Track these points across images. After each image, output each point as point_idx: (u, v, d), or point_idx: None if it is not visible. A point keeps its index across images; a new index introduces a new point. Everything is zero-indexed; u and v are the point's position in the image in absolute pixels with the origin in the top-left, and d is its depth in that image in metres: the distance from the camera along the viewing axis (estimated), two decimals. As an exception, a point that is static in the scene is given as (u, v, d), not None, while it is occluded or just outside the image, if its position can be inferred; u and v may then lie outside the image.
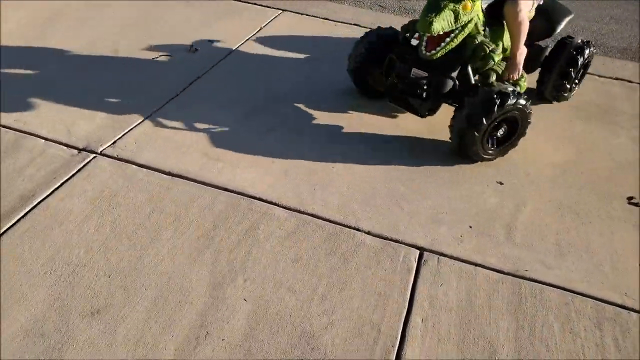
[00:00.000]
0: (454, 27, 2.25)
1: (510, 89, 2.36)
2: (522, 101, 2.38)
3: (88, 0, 3.69)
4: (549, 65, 2.86)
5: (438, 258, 1.99)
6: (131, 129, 2.48)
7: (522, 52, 2.54)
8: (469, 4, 2.21)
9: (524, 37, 2.49)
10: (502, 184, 2.44)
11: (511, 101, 2.32)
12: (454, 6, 2.18)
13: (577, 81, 2.99)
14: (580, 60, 2.82)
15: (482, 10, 2.38)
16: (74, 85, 2.77)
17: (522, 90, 2.63)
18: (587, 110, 3.00)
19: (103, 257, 1.84)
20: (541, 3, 2.67)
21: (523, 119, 2.46)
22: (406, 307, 1.80)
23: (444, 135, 2.54)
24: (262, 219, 2.07)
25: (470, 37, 2.37)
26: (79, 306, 1.67)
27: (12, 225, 1.90)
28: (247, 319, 1.69)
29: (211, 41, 3.33)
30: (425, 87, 2.45)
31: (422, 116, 2.56)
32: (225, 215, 2.07)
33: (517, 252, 2.06)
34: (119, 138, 2.41)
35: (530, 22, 2.55)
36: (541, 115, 2.84)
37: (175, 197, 2.12)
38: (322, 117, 2.74)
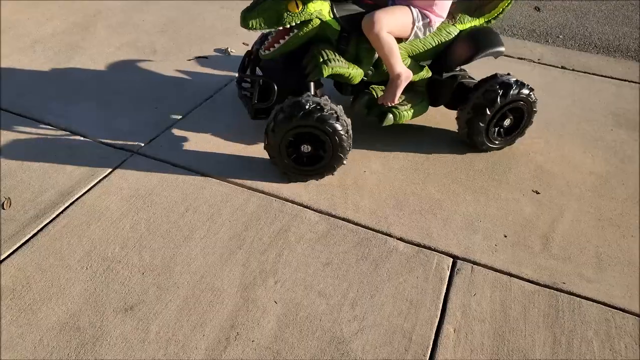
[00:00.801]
0: (276, 27, 2.06)
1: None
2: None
3: (128, 0, 3.78)
4: (464, 101, 2.47)
5: (472, 267, 1.95)
6: (166, 129, 2.52)
7: (402, 77, 2.25)
8: (296, 5, 2.01)
9: (392, 58, 2.17)
10: (539, 193, 2.38)
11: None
12: (277, 5, 2.01)
13: (502, 130, 2.55)
14: (499, 101, 2.36)
15: (334, 16, 2.12)
16: (112, 84, 2.83)
17: (402, 121, 2.42)
18: (627, 117, 2.90)
19: (137, 254, 1.87)
20: (432, 30, 2.30)
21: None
22: (438, 315, 1.76)
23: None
24: (293, 221, 2.07)
25: (317, 43, 2.20)
26: (113, 302, 1.70)
27: (51, 221, 1.95)
28: (277, 321, 1.69)
29: (245, 44, 3.36)
30: (248, 89, 2.33)
31: (252, 118, 2.34)
32: (257, 217, 2.07)
33: (554, 263, 1.99)
34: (155, 138, 2.45)
35: (447, 47, 2.35)
36: (579, 123, 2.76)
37: (209, 197, 2.14)
38: (356, 119, 2.72)
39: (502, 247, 2.06)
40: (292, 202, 2.17)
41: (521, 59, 3.59)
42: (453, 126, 2.67)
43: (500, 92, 2.35)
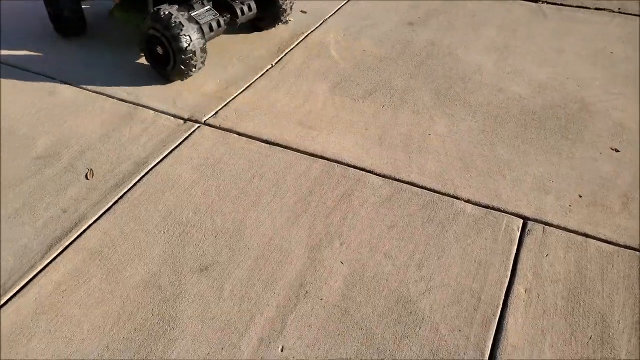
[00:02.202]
0: None
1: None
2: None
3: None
4: None
5: (543, 228, 1.88)
6: (231, 100, 2.58)
7: None
8: None
9: None
10: (618, 151, 2.23)
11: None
12: None
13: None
14: None
15: None
16: (178, 60, 2.93)
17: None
18: None
19: (210, 218, 1.95)
20: None
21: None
22: (508, 276, 1.72)
23: (548, 98, 2.36)
24: (356, 186, 2.08)
25: None
26: (189, 262, 1.80)
27: (129, 189, 2.08)
28: (344, 281, 1.72)
29: (303, 11, 3.35)
30: None
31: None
32: (321, 182, 2.10)
33: (635, 224, 1.88)
34: (220, 109, 2.52)
35: None
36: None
37: (274, 164, 2.19)
38: (417, 82, 2.67)
39: (576, 207, 1.97)
40: (354, 167, 2.17)
41: (599, 9, 3.33)
42: (522, 89, 2.56)
43: None
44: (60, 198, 2.04)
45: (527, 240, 1.84)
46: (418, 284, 1.71)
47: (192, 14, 2.62)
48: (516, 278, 1.71)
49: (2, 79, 2.74)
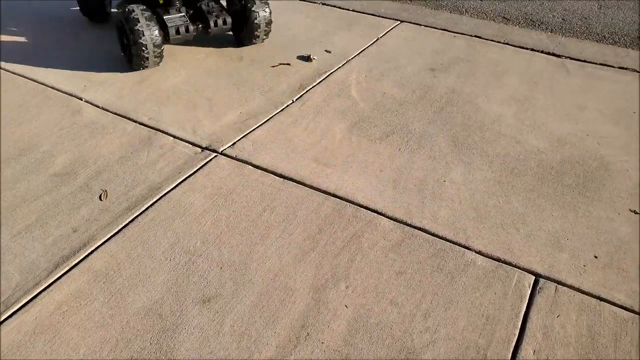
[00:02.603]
0: None
1: None
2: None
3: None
4: None
5: (556, 287, 1.83)
6: (249, 132, 2.61)
7: None
8: None
9: None
10: (637, 213, 2.19)
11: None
12: None
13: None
14: None
15: None
16: (200, 89, 2.99)
17: None
18: None
19: (217, 249, 1.95)
20: None
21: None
22: (516, 335, 1.67)
23: (570, 153, 2.33)
24: (367, 228, 2.06)
25: None
26: (192, 293, 1.78)
27: (140, 213, 2.09)
28: (347, 325, 1.68)
29: (328, 51, 3.42)
30: None
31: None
32: (331, 220, 2.09)
33: (652, 290, 1.82)
34: (238, 140, 2.55)
35: None
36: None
37: (286, 198, 2.19)
38: (435, 128, 2.67)
39: (591, 268, 1.92)
40: (367, 208, 2.16)
41: (623, 68, 3.33)
42: (541, 142, 2.54)
43: None
44: (72, 217, 2.06)
45: (538, 298, 1.79)
46: (423, 335, 1.66)
47: (162, 16, 3.06)
48: (525, 338, 1.66)
49: (31, 98, 2.83)
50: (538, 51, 3.52)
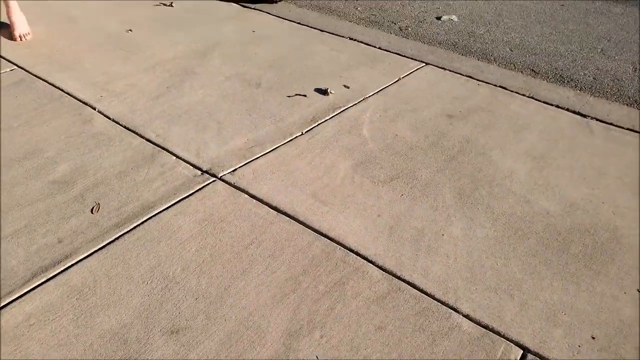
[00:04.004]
0: None
1: None
2: None
3: (248, 34, 4.04)
4: None
5: (544, 366, 1.71)
6: (252, 160, 2.59)
7: None
8: None
9: None
10: (645, 294, 2.05)
11: None
12: None
13: None
14: None
15: None
16: (214, 111, 3.00)
17: None
18: None
19: (196, 278, 1.90)
20: None
21: None
22: (493, 414, 1.55)
23: (588, 220, 2.22)
24: (353, 275, 1.98)
25: None
26: (162, 322, 1.73)
27: (128, 231, 2.07)
28: (314, 379, 1.60)
29: (346, 86, 3.40)
30: None
31: None
32: (318, 262, 2.02)
33: (649, 384, 1.68)
34: (240, 167, 2.53)
35: None
36: None
37: (275, 233, 2.14)
38: (443, 177, 2.59)
39: (587, 349, 1.79)
40: (357, 253, 2.09)
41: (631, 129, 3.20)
42: (551, 205, 2.44)
43: None
44: (61, 227, 2.06)
45: (523, 376, 1.67)
46: (392, 400, 1.57)
47: None
48: (501, 419, 1.54)
49: (47, 102, 2.89)
50: (563, 108, 3.41)
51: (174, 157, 2.54)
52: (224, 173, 2.47)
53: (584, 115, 3.38)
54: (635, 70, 3.99)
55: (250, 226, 2.16)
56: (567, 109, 3.42)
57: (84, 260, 1.92)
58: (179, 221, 2.15)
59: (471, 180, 2.63)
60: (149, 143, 2.63)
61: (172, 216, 2.17)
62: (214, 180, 2.41)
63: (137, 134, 2.70)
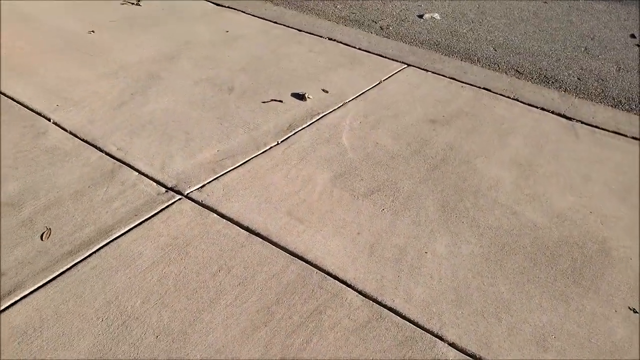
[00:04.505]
0: None
1: None
2: None
3: (221, 34, 3.84)
4: None
5: (536, 401, 1.58)
6: (223, 174, 2.41)
7: None
8: None
9: None
10: (637, 312, 1.94)
11: None
12: None
13: None
14: None
15: None
16: (178, 120, 2.81)
17: None
18: None
19: (157, 312, 1.73)
20: None
21: None
22: None
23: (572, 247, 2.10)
24: (331, 302, 1.83)
25: None
26: (118, 365, 1.56)
27: (82, 260, 1.89)
28: None
29: (325, 90, 3.23)
30: None
31: None
32: (293, 289, 1.86)
33: (648, 417, 1.56)
34: (209, 182, 2.35)
35: None
36: None
37: (247, 257, 1.97)
38: (425, 188, 2.45)
39: (580, 379, 1.67)
40: (335, 277, 1.93)
41: (637, 138, 3.11)
42: (538, 216, 2.31)
43: None
44: (4, 258, 1.86)
45: (514, 414, 1.54)
46: None
47: None
48: None
49: (-1, 110, 2.66)
50: (548, 111, 3.30)
51: (136, 173, 2.35)
52: (191, 190, 2.29)
53: (569, 118, 3.27)
54: (619, 70, 3.91)
55: (219, 250, 1.99)
56: (552, 112, 3.31)
57: (31, 296, 1.73)
58: (139, 247, 1.97)
59: (455, 191, 2.49)
60: (109, 158, 2.43)
61: (132, 241, 1.99)
62: (179, 199, 2.23)
63: (96, 147, 2.49)
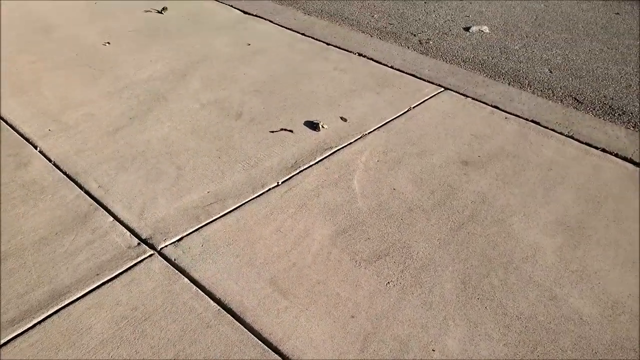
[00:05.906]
0: None
1: None
2: None
3: (241, 48, 3.53)
4: None
5: None
6: (207, 224, 2.11)
7: None
8: None
9: None
10: None
11: None
12: None
13: None
14: None
15: None
16: (177, 152, 2.53)
17: None
18: None
19: (91, 412, 1.45)
20: None
21: None
22: None
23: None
24: (302, 415, 1.48)
25: None
26: None
27: (23, 332, 1.64)
28: None
29: (344, 119, 2.85)
30: None
31: None
32: (259, 391, 1.53)
33: None
34: (189, 234, 2.05)
35: None
36: None
37: (210, 343, 1.65)
38: (445, 255, 2.04)
39: None
40: (313, 377, 1.58)
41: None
42: (585, 304, 1.84)
43: None
44: (-59, 322, 1.64)
45: None
46: None
47: None
48: None
49: (-13, 133, 2.49)
50: (611, 153, 2.75)
51: (111, 219, 2.09)
52: (166, 244, 2.00)
53: (638, 164, 2.71)
54: None
55: (181, 330, 1.68)
56: (616, 154, 2.76)
57: (-45, 378, 1.50)
58: (91, 318, 1.69)
59: (481, 261, 2.06)
60: (86, 197, 2.18)
61: (86, 309, 1.72)
62: (150, 254, 1.94)
63: (76, 183, 2.26)
